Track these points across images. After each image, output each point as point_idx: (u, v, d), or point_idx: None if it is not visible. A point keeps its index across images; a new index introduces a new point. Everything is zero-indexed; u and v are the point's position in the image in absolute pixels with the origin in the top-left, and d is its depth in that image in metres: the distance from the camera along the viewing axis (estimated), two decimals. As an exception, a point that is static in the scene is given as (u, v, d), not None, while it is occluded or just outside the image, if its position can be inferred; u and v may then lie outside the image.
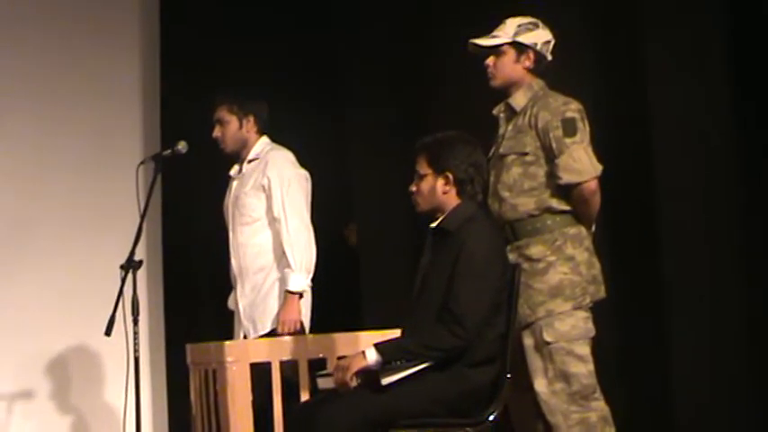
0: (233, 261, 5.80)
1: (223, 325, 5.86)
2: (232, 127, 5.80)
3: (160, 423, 7.48)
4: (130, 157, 7.03)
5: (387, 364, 4.26)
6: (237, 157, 5.87)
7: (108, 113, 7.57)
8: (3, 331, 7.15)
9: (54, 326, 7.24)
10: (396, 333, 4.60)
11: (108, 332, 5.20)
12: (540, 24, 4.76)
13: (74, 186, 7.43)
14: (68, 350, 7.34)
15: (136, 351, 5.13)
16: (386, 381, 4.24)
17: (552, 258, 4.59)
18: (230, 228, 5.83)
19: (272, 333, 5.60)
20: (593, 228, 4.75)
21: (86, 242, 7.37)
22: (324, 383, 4.68)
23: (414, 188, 4.53)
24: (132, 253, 5.23)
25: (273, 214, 5.67)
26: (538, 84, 4.76)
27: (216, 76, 7.07)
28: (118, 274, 5.35)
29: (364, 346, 4.37)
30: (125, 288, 5.16)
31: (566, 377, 4.54)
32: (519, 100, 4.74)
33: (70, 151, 7.46)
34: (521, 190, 4.65)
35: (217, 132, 5.82)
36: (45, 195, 7.38)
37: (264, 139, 5.85)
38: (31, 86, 7.46)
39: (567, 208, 4.63)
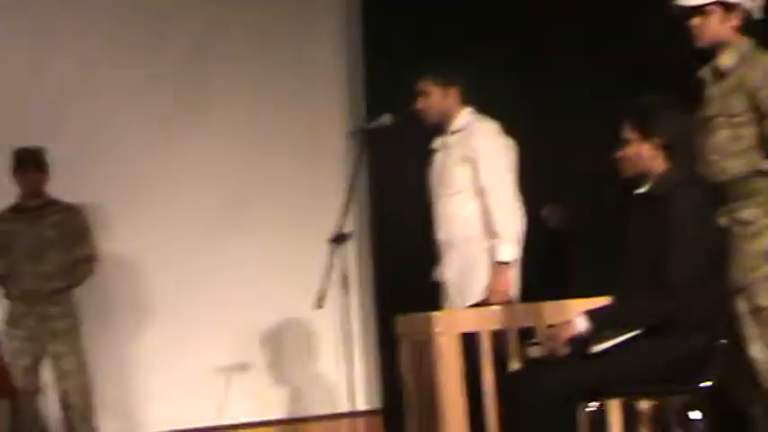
0: (439, 232, 5.81)
1: (431, 296, 5.89)
2: (435, 98, 5.79)
3: (373, 394, 7.58)
4: (337, 132, 7.13)
5: (597, 332, 4.22)
6: (441, 128, 5.88)
7: (314, 91, 7.70)
8: (219, 306, 7.37)
9: (267, 300, 7.42)
10: (605, 300, 4.55)
11: (319, 305, 5.30)
12: (749, -19, 4.61)
13: (285, 163, 7.60)
14: (282, 323, 7.52)
15: (347, 323, 5.20)
16: (596, 348, 4.20)
17: (765, 221, 4.45)
18: (436, 199, 5.84)
19: (480, 303, 5.60)
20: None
21: (297, 217, 7.53)
22: (534, 352, 4.67)
23: (620, 154, 4.47)
24: (340, 226, 5.30)
25: (479, 185, 5.65)
26: (746, 43, 4.61)
27: (419, 48, 7.08)
28: (327, 247, 5.44)
29: (573, 315, 4.33)
30: (334, 261, 5.23)
31: (783, 343, 4.41)
32: (726, 60, 4.60)
33: (281, 130, 7.62)
34: (730, 152, 4.51)
35: (420, 104, 5.82)
36: (259, 174, 7.57)
37: (468, 110, 5.82)
38: (244, 70, 7.65)
39: None
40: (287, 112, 7.65)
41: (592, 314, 4.26)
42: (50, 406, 7.08)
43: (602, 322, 4.23)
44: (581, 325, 4.22)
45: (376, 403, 7.55)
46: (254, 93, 7.63)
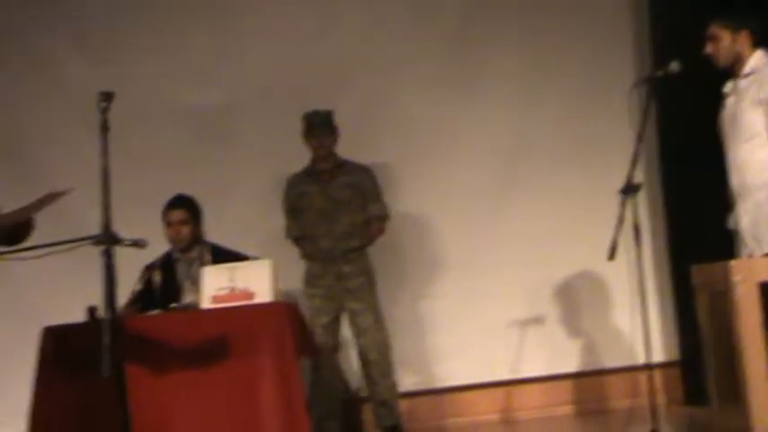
0: (733, 179, 5.64)
1: (726, 245, 5.72)
2: (725, 42, 5.61)
3: (670, 345, 7.45)
4: (621, 80, 7.00)
5: None
6: (731, 72, 5.70)
7: (596, 38, 7.59)
8: (510, 261, 7.41)
9: (559, 253, 7.40)
10: None
11: (611, 257, 5.24)
12: None
13: (564, 114, 7.54)
14: (573, 276, 7.48)
15: (641, 274, 5.13)
16: None
17: None
18: (728, 145, 5.66)
19: (779, 251, 5.40)
20: None
21: (582, 169, 7.46)
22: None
23: None
24: (630, 177, 5.22)
25: (776, 127, 5.45)
26: None
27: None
28: (616, 199, 5.37)
29: None
30: (626, 212, 5.16)
31: None
32: None
33: (559, 79, 7.56)
34: None
35: (709, 49, 5.66)
36: (543, 127, 7.54)
37: (759, 53, 5.63)
38: (516, 18, 7.63)
39: None
40: (566, 62, 7.56)
41: None
42: (350, 362, 7.31)
43: None
44: None
45: (673, 355, 7.42)
46: (525, 44, 7.59)
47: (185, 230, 6.45)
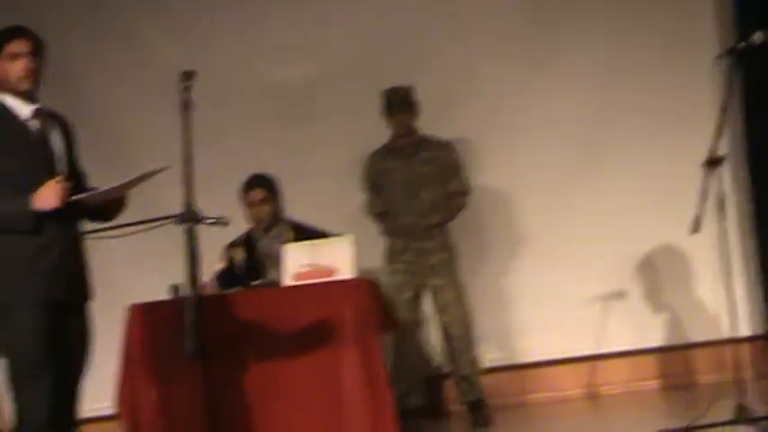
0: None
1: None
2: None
3: (756, 319, 7.36)
4: (704, 51, 6.91)
5: None
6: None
7: (679, 8, 7.48)
8: (592, 235, 7.36)
9: (641, 227, 7.34)
10: None
11: (695, 230, 5.19)
12: None
13: (646, 85, 7.45)
14: (656, 249, 7.41)
15: (725, 247, 5.07)
16: None
17: None
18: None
19: None
20: None
21: (664, 141, 7.37)
22: None
23: None
24: (714, 149, 5.15)
25: None
26: None
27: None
28: (699, 171, 5.30)
29: None
30: (709, 185, 5.10)
31: None
32: None
33: (640, 50, 7.48)
34: None
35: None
36: (623, 99, 7.46)
37: None
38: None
39: None
40: (647, 32, 7.46)
41: None
42: (432, 338, 7.32)
43: None
44: None
45: (759, 328, 7.33)
46: (606, 17, 7.51)
47: (266, 209, 6.48)
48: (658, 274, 7.43)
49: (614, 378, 7.39)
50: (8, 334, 4.31)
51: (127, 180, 4.45)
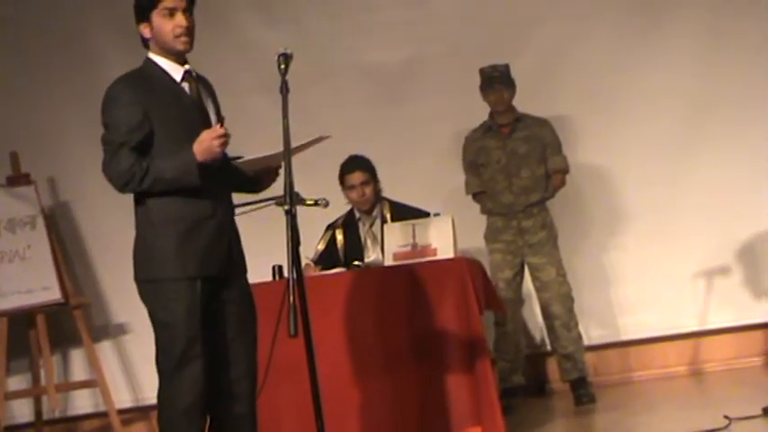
0: None
1: None
2: None
3: None
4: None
5: None
6: None
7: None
8: (694, 211, 7.27)
9: (743, 204, 7.23)
10: None
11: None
12: None
13: (753, 60, 7.34)
14: (760, 226, 7.29)
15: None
16: None
17: None
18: None
19: None
20: None
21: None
22: None
23: None
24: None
25: None
26: None
27: None
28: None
29: None
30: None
31: None
32: None
33: (748, 24, 7.35)
34: None
35: None
36: (722, 73, 7.35)
37: None
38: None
39: None
40: (758, 8, 7.34)
41: None
42: (534, 316, 7.30)
43: None
44: None
45: None
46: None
47: (368, 191, 6.46)
48: (762, 251, 7.31)
49: (719, 355, 7.31)
50: (161, 312, 4.13)
51: (276, 151, 4.21)
